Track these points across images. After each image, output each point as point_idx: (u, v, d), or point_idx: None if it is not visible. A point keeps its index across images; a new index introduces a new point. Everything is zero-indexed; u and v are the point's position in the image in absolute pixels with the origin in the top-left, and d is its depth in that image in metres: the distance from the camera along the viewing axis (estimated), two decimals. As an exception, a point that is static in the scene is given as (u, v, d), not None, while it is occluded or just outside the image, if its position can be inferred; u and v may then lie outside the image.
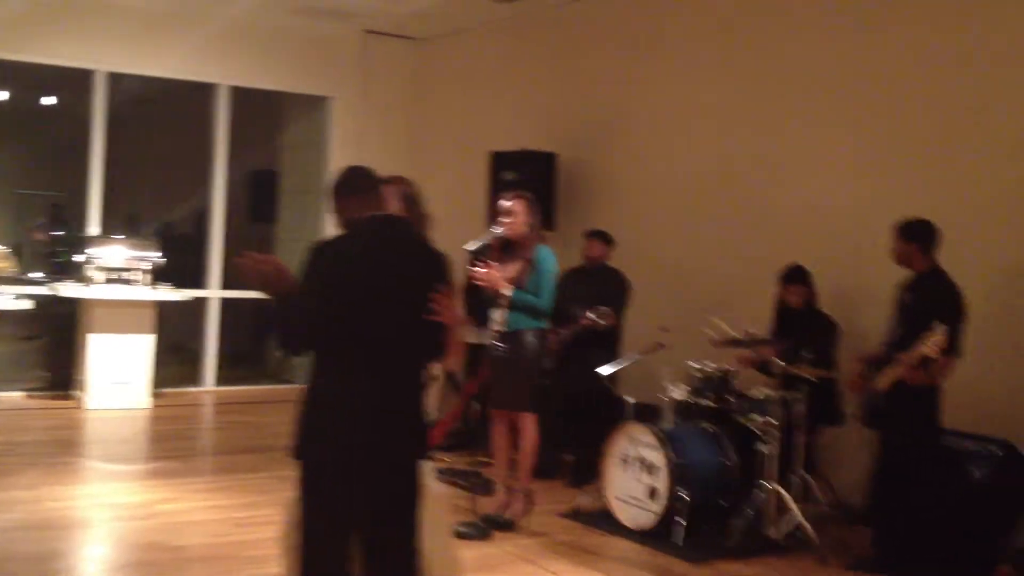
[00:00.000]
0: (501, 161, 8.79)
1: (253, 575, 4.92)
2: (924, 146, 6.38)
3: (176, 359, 10.74)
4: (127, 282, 9.05)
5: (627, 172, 8.49)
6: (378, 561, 3.40)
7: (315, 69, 10.67)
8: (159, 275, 9.25)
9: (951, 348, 5.06)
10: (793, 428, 5.79)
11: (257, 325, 11.10)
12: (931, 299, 5.24)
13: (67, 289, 9.02)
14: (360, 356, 3.32)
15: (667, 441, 5.85)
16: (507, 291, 5.76)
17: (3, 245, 9.80)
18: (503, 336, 5.83)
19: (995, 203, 6.01)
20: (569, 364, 7.09)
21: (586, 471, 6.83)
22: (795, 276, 6.36)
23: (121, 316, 8.97)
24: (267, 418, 8.73)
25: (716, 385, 6.19)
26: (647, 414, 6.39)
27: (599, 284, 7.23)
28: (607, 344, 6.98)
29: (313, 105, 10.99)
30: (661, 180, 8.17)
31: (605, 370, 6.54)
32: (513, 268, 5.83)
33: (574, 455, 7.17)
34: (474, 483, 6.14)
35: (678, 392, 6.30)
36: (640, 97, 8.40)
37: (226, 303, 10.34)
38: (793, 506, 5.64)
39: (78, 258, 9.18)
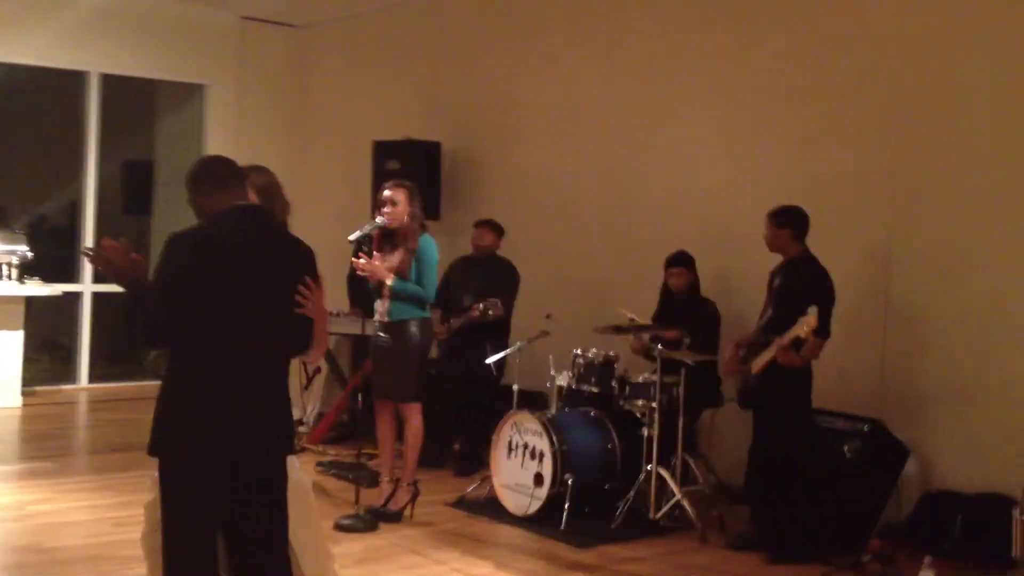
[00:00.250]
0: (384, 150, 8.73)
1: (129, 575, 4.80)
2: (791, 136, 6.60)
3: (48, 356, 10.43)
4: (-7, 276, 8.73)
5: (511, 161, 8.53)
6: (245, 558, 3.35)
7: (190, 56, 10.41)
8: (28, 269, 8.95)
9: (821, 330, 5.24)
10: (674, 412, 5.91)
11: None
12: (803, 283, 5.41)
13: (-70, 285, 8.66)
14: (220, 350, 3.26)
15: (552, 428, 5.91)
16: (389, 281, 5.74)
17: None
18: (386, 326, 5.81)
19: (856, 189, 6.25)
20: (459, 354, 7.12)
21: (473, 460, 6.86)
22: (678, 259, 6.47)
23: (-13, 312, 8.65)
24: (143, 415, 8.37)
25: (599, 371, 6.29)
26: (533, 402, 6.45)
27: (489, 274, 7.25)
28: (496, 334, 7.01)
29: (189, 93, 10.74)
30: (545, 168, 8.22)
31: (491, 359, 6.58)
32: (395, 258, 5.81)
33: (461, 444, 7.19)
34: (359, 475, 6.11)
35: (563, 379, 6.37)
36: (524, 86, 8.45)
37: (99, 298, 10.04)
38: (675, 488, 5.76)
39: (-59, 253, 8.81)
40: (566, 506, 5.75)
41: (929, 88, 5.96)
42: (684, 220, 7.05)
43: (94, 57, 9.95)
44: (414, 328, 5.80)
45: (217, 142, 10.26)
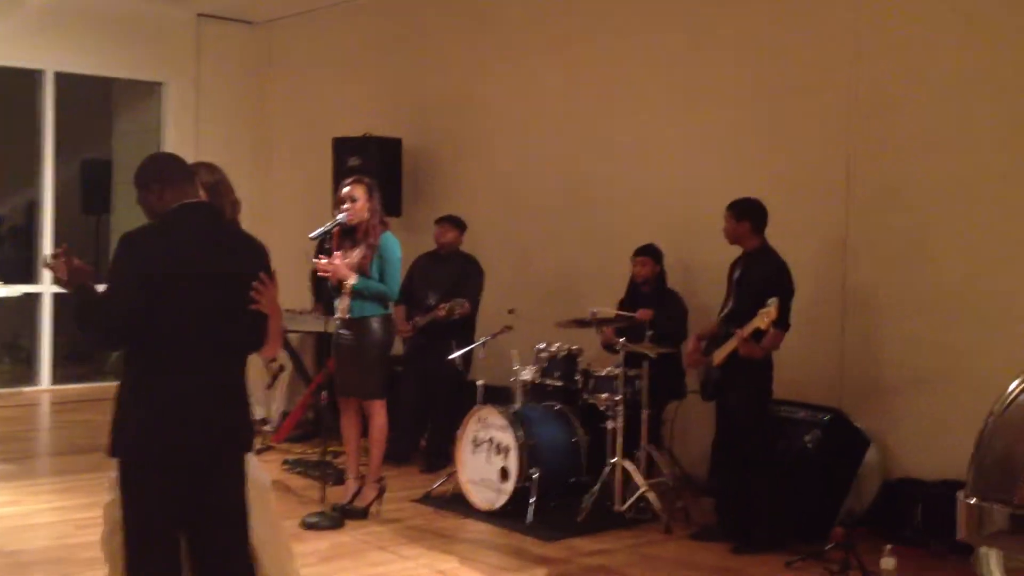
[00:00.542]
0: (344, 147, 8.69)
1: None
2: (750, 130, 6.65)
3: (8, 358, 10.32)
4: (-50, 279, 8.61)
5: (472, 156, 8.52)
6: (206, 557, 3.34)
7: (146, 54, 10.31)
8: (-14, 270, 8.84)
9: (781, 321, 5.29)
10: (639, 404, 5.95)
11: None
12: (762, 275, 5.45)
13: None
14: (174, 349, 3.24)
15: (517, 422, 5.93)
16: (353, 280, 5.72)
17: None
18: (347, 323, 5.80)
19: (814, 181, 6.31)
20: (424, 350, 7.11)
21: (440, 456, 6.86)
22: (643, 249, 6.49)
23: (-55, 315, 8.54)
24: (106, 416, 8.32)
25: (563, 365, 6.31)
26: (498, 397, 6.46)
27: (453, 271, 7.24)
28: (462, 331, 7.00)
29: (147, 92, 10.64)
30: (506, 164, 8.23)
31: (454, 355, 6.58)
32: (357, 254, 5.80)
33: (427, 440, 7.19)
34: (324, 473, 6.10)
35: (527, 373, 6.39)
36: (485, 81, 8.44)
37: (60, 298, 9.92)
38: (640, 480, 5.80)
39: None
40: (532, 500, 5.77)
41: (886, 83, 6.02)
42: (646, 214, 7.09)
43: (48, 55, 9.83)
44: (375, 325, 5.79)
45: (176, 140, 10.20)
